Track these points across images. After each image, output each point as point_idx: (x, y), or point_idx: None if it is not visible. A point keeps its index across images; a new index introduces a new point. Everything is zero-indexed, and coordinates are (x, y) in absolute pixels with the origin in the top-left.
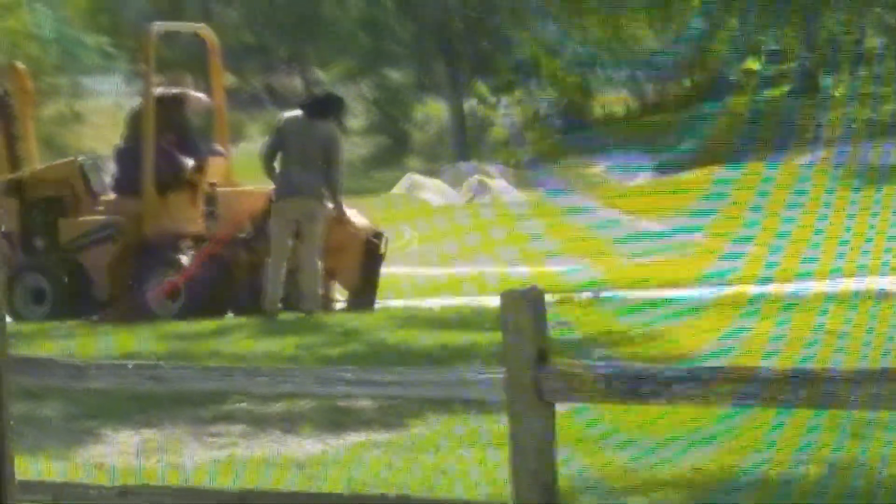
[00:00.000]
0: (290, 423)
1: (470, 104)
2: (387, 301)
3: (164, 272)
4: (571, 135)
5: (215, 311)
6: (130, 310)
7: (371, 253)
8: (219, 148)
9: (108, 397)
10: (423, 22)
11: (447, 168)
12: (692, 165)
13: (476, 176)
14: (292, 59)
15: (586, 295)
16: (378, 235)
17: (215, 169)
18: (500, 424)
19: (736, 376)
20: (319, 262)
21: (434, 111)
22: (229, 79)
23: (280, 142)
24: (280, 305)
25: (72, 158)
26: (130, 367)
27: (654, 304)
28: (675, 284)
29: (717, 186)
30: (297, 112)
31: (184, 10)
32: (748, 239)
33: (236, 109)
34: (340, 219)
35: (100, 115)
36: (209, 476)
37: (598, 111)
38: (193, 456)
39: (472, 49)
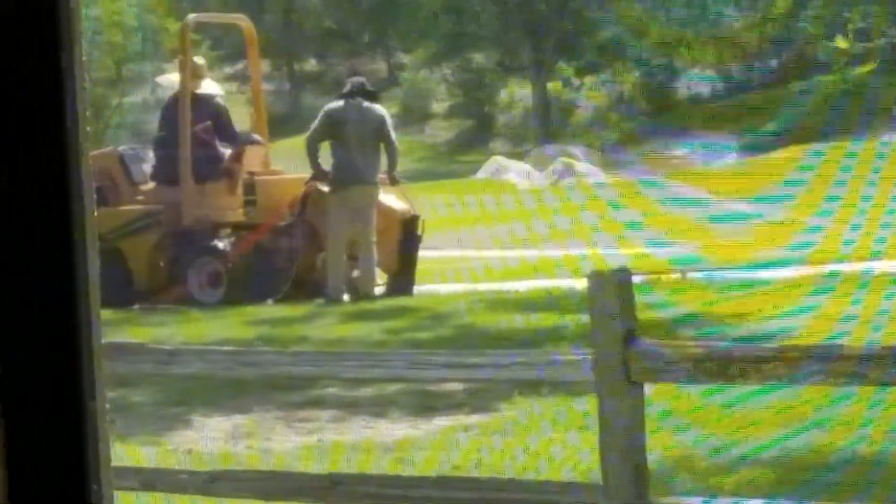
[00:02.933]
0: (379, 408)
1: (554, 86)
2: (475, 285)
3: (202, 260)
4: (656, 116)
5: (257, 299)
6: (172, 297)
7: (408, 235)
8: (257, 136)
9: (199, 383)
10: (507, 4)
11: (532, 151)
12: (779, 146)
13: (561, 158)
14: (375, 44)
15: (674, 275)
16: (415, 218)
17: (254, 157)
18: (589, 405)
19: (825, 355)
20: (374, 246)
21: (518, 94)
22: (312, 64)
23: (330, 132)
24: (344, 289)
25: (112, 149)
26: (220, 352)
27: (743, 283)
28: (761, 264)
29: (803, 167)
30: (343, 101)
31: None
32: (829, 214)
33: (320, 95)
34: (378, 203)
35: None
36: (299, 461)
37: (683, 92)
38: (284, 441)
39: (555, 31)
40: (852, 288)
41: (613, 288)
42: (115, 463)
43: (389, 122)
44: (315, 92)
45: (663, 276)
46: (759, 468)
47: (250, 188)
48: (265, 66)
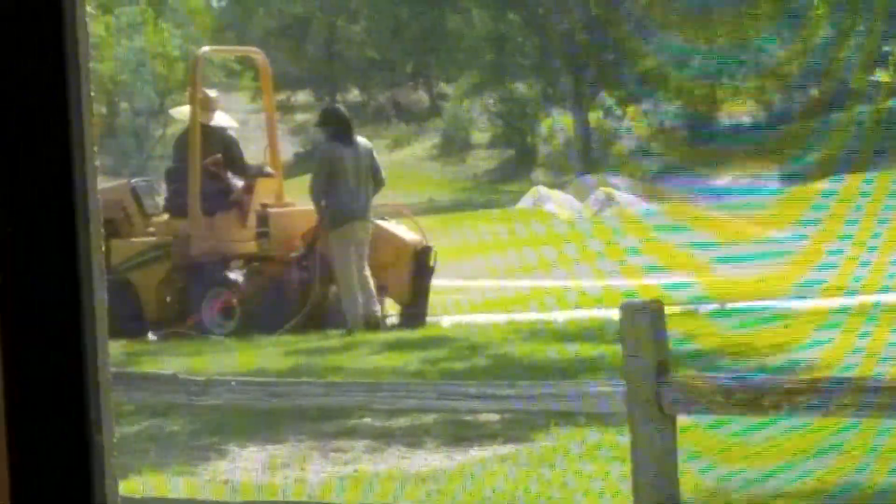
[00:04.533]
0: (414, 438)
1: (595, 116)
2: (513, 315)
3: (211, 292)
4: (698, 146)
5: (269, 329)
6: (185, 328)
7: (420, 267)
8: (269, 169)
9: (232, 413)
10: (549, 34)
11: (573, 181)
12: (820, 175)
13: (602, 188)
14: (417, 74)
15: (712, 306)
16: (427, 249)
17: (266, 189)
18: (624, 437)
19: (857, 387)
20: (370, 278)
21: (559, 124)
22: (355, 94)
23: (330, 173)
24: (361, 323)
25: (125, 181)
26: (252, 383)
27: (778, 314)
28: (801, 295)
29: (841, 196)
30: (335, 141)
31: (308, 26)
32: (872, 248)
33: (362, 125)
34: (390, 234)
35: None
36: (335, 491)
37: (724, 122)
38: (319, 471)
39: (597, 61)
40: (890, 319)
41: (645, 320)
42: (151, 493)
43: (376, 153)
44: (357, 122)
45: (700, 308)
46: (794, 501)
47: (263, 220)
48: (308, 96)
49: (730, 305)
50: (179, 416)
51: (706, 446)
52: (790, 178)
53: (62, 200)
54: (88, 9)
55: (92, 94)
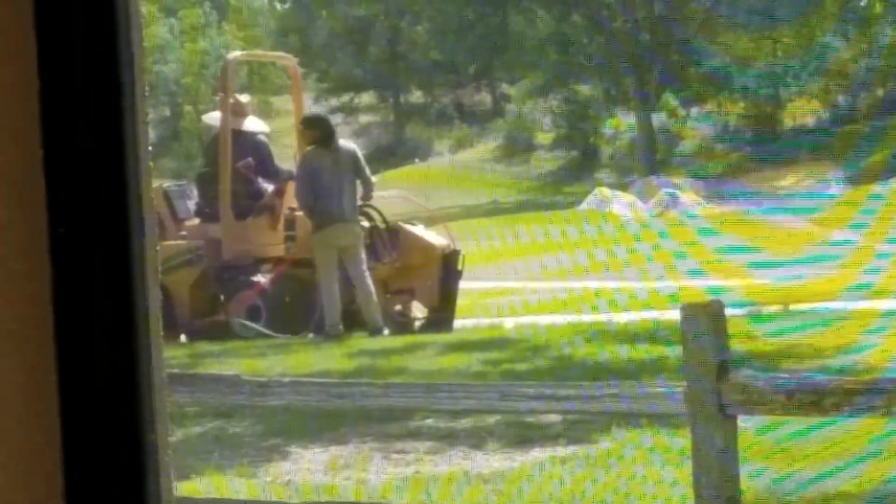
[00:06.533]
0: (476, 439)
1: (659, 117)
2: (574, 315)
3: (241, 295)
4: (762, 147)
5: (295, 330)
6: (214, 329)
7: (448, 271)
8: None
9: (294, 414)
10: (612, 35)
11: (637, 181)
12: (885, 177)
13: (666, 189)
14: (480, 76)
15: (775, 308)
16: (455, 253)
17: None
18: (685, 438)
19: None
20: (370, 281)
21: (623, 125)
22: (417, 96)
23: (313, 177)
24: (341, 327)
25: (158, 185)
26: (314, 383)
27: (843, 316)
28: (872, 297)
29: None
30: (315, 146)
31: (372, 28)
32: None
33: (425, 127)
34: (418, 238)
35: (289, 134)
36: (396, 492)
37: (788, 123)
38: (381, 472)
39: (661, 61)
40: None
41: (706, 319)
42: (214, 494)
43: (361, 155)
44: (420, 123)
45: (764, 308)
46: (855, 501)
47: (291, 223)
48: (371, 97)
49: (792, 307)
50: (242, 417)
51: (764, 447)
52: (854, 179)
53: (115, 199)
54: (153, 10)
55: (146, 92)
